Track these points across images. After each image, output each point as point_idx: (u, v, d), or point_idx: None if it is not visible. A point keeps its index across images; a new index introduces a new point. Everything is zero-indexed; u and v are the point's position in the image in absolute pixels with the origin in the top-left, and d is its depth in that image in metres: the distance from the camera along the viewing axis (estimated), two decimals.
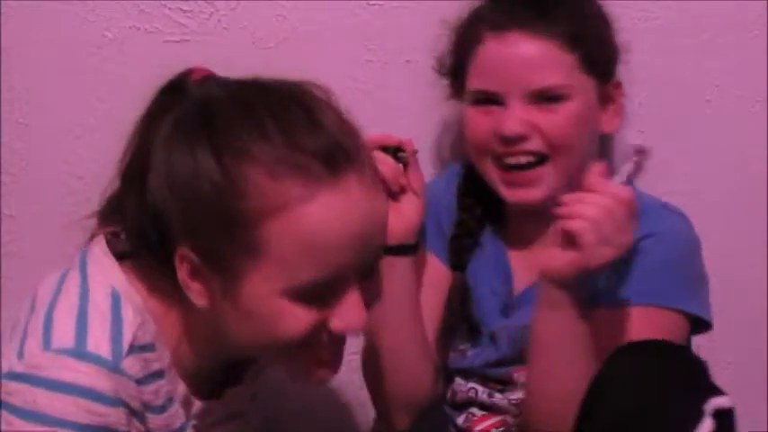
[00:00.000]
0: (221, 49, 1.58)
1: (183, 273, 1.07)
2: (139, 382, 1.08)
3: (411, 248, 1.40)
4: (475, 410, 1.46)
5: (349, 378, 1.63)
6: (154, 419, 1.11)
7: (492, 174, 1.41)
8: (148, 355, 1.09)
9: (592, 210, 1.22)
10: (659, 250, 1.35)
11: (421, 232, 1.46)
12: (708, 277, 1.40)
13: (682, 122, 1.61)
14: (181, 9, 1.59)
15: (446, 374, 1.49)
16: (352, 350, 1.60)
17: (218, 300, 1.07)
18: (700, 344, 1.41)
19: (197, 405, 1.17)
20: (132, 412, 1.07)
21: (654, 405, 1.17)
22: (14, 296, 1.65)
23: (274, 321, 1.05)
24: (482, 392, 1.45)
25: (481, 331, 1.45)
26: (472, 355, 1.46)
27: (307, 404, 1.67)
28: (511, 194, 1.41)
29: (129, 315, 1.09)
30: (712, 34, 1.60)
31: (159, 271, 1.10)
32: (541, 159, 1.38)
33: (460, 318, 1.46)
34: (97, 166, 1.63)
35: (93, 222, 1.18)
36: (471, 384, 1.46)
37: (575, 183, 1.31)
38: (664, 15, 1.58)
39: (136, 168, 1.11)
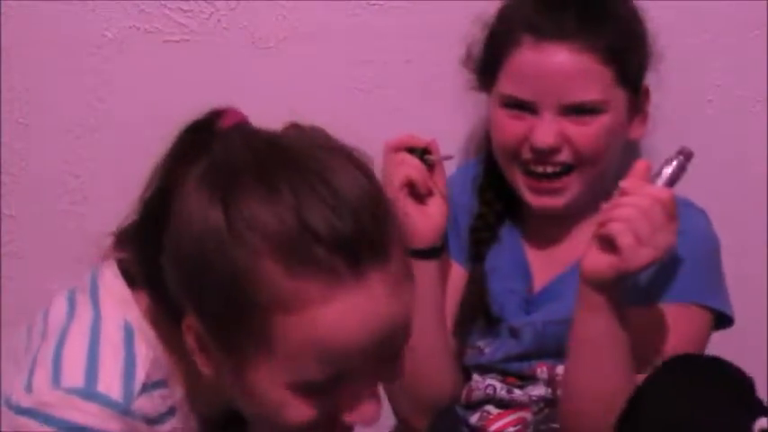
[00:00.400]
0: (221, 49, 1.58)
1: (190, 340, 1.00)
2: (153, 421, 1.04)
3: (438, 251, 1.39)
4: (490, 408, 1.45)
5: None
6: None
7: (517, 179, 1.41)
8: (161, 391, 1.05)
9: (627, 211, 1.22)
10: (687, 248, 1.35)
11: None
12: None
13: (682, 122, 1.61)
14: (181, 9, 1.59)
15: (462, 373, 1.49)
16: None
17: (225, 374, 1.00)
18: None
19: None
20: None
21: (700, 421, 1.17)
22: (14, 296, 1.65)
23: (278, 410, 0.98)
24: (501, 389, 1.44)
25: (499, 325, 1.44)
26: (491, 349, 1.45)
27: None
28: (535, 201, 1.41)
29: (142, 350, 1.04)
30: (713, 34, 1.60)
31: (172, 315, 1.02)
32: (568, 169, 1.38)
33: (478, 311, 1.46)
34: (97, 165, 1.64)
35: (103, 239, 1.12)
36: (489, 381, 1.45)
37: (601, 188, 1.34)
38: (664, 15, 1.58)
39: (155, 210, 1.03)
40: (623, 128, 1.40)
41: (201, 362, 1.01)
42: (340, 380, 0.96)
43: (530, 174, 1.39)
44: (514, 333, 1.43)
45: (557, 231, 1.44)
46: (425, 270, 1.37)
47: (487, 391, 1.45)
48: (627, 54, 1.37)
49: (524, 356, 1.42)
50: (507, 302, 1.45)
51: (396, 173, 1.34)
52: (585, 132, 1.36)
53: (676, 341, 1.34)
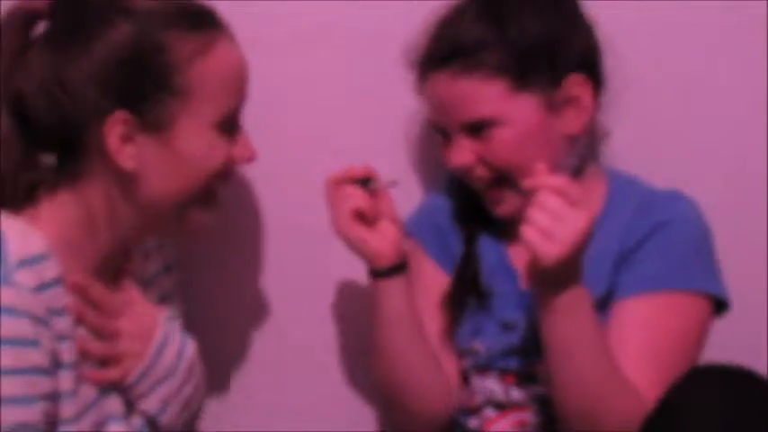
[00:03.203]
0: None
1: (113, 139, 1.24)
2: (36, 290, 1.19)
3: (400, 269, 1.43)
4: (489, 412, 1.45)
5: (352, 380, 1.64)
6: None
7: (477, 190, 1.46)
8: (45, 263, 1.22)
9: (530, 209, 1.24)
10: (679, 235, 1.38)
11: (428, 246, 1.52)
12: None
13: (682, 122, 1.61)
14: None
15: (462, 379, 1.49)
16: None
17: (147, 154, 1.26)
18: None
19: None
20: (36, 319, 1.18)
21: None
22: None
23: (206, 155, 1.29)
24: (500, 390, 1.44)
25: (489, 302, 1.46)
26: (488, 345, 1.45)
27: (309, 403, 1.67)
28: (490, 209, 1.45)
29: (13, 234, 1.21)
30: (712, 34, 1.60)
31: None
32: (498, 181, 1.41)
33: (469, 284, 1.47)
34: None
35: None
36: (488, 383, 1.45)
37: None
38: (663, 15, 1.58)
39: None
40: (544, 128, 1.40)
41: (126, 155, 1.25)
42: (235, 119, 1.32)
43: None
44: (510, 328, 1.43)
45: None
46: (394, 289, 1.43)
47: (486, 393, 1.45)
48: (519, 60, 1.37)
49: (524, 352, 1.42)
50: (498, 302, 1.45)
51: (342, 206, 1.42)
52: (490, 148, 1.39)
53: (676, 329, 1.35)
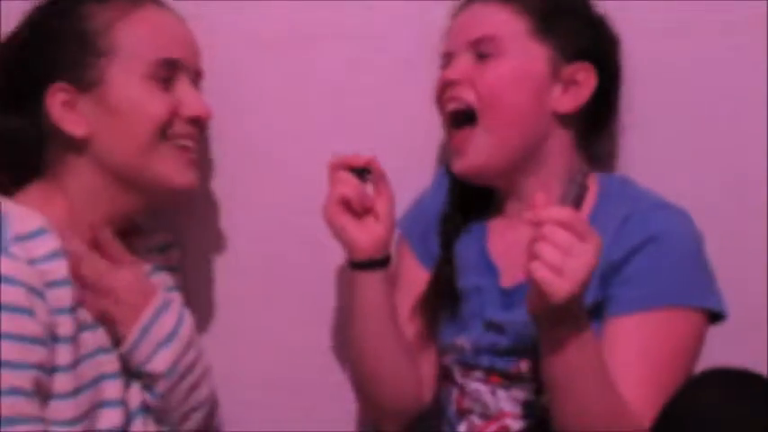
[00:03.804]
0: (221, 49, 1.58)
1: (56, 109, 1.36)
2: (34, 261, 1.25)
3: (379, 263, 1.43)
4: (474, 419, 1.45)
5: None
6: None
7: (447, 141, 1.48)
8: (39, 239, 1.27)
9: (536, 244, 1.20)
10: (672, 250, 1.36)
11: (413, 242, 1.53)
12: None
13: (682, 122, 1.61)
14: None
15: (448, 378, 1.49)
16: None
17: (92, 116, 1.36)
18: None
19: None
20: (31, 290, 1.24)
21: None
22: None
23: (140, 104, 1.36)
24: (485, 391, 1.44)
25: (466, 306, 1.46)
26: (473, 341, 1.44)
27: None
28: (451, 164, 1.46)
29: (11, 213, 1.28)
30: (712, 34, 1.60)
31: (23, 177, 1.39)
32: (471, 116, 1.42)
33: (445, 289, 1.48)
34: None
35: None
36: (474, 383, 1.45)
37: (546, 178, 1.39)
38: (664, 15, 1.58)
39: None
40: (537, 87, 1.42)
41: (71, 121, 1.36)
42: (172, 71, 1.40)
43: (447, 127, 1.46)
44: (496, 328, 1.43)
45: (521, 225, 1.37)
46: (367, 281, 1.43)
47: (474, 395, 1.45)
48: (553, 15, 1.42)
49: (511, 351, 1.41)
50: (480, 299, 1.45)
51: (332, 191, 1.42)
52: (483, 72, 1.42)
53: (671, 345, 1.34)
